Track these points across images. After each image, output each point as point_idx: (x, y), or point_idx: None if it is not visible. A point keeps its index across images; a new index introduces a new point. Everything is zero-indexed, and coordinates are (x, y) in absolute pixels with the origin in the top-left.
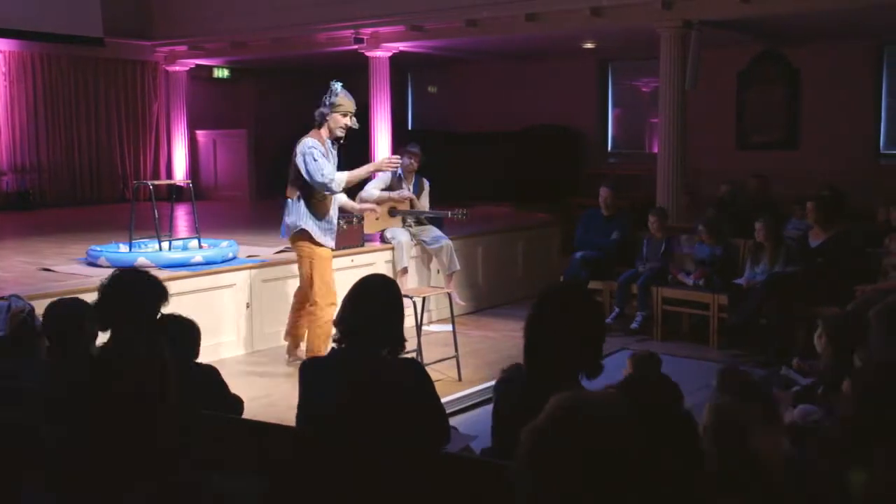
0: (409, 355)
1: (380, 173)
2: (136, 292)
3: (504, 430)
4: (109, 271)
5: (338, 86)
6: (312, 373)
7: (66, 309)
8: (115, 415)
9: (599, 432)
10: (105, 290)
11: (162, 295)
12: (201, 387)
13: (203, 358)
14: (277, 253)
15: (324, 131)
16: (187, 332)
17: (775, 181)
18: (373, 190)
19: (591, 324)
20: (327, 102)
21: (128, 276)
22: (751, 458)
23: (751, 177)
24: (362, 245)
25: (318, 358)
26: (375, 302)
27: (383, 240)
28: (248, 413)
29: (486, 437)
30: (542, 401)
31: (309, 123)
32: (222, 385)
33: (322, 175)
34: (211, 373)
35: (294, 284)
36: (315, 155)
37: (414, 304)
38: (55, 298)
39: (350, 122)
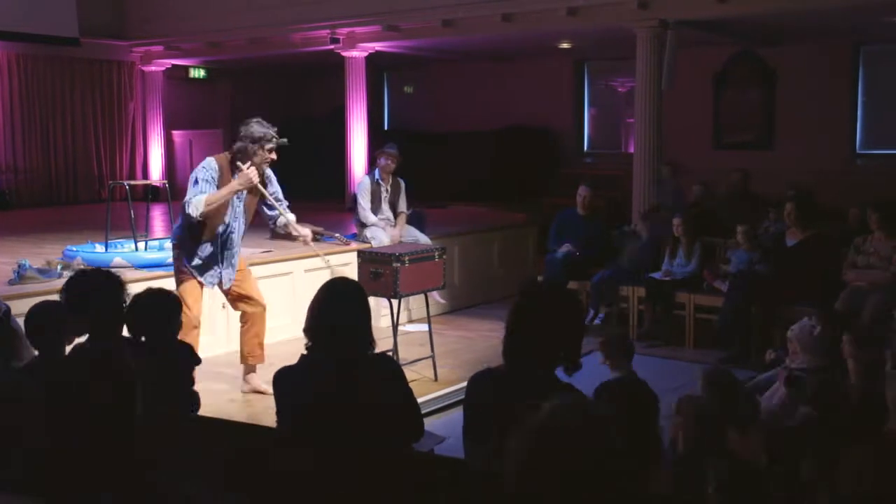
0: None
1: (361, 185)
2: (91, 297)
3: (477, 427)
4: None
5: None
6: (287, 381)
7: (46, 311)
8: (84, 420)
9: (589, 442)
10: (64, 296)
11: (117, 292)
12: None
13: None
14: (263, 253)
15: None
16: (163, 306)
17: (751, 181)
18: (368, 214)
19: (571, 321)
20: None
21: (79, 282)
22: (727, 455)
23: (732, 171)
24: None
25: (290, 366)
26: (341, 305)
27: (362, 239)
28: (224, 413)
29: (459, 438)
30: (520, 395)
31: (283, 122)
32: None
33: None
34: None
35: (268, 284)
36: (201, 175)
37: (391, 303)
38: (37, 299)
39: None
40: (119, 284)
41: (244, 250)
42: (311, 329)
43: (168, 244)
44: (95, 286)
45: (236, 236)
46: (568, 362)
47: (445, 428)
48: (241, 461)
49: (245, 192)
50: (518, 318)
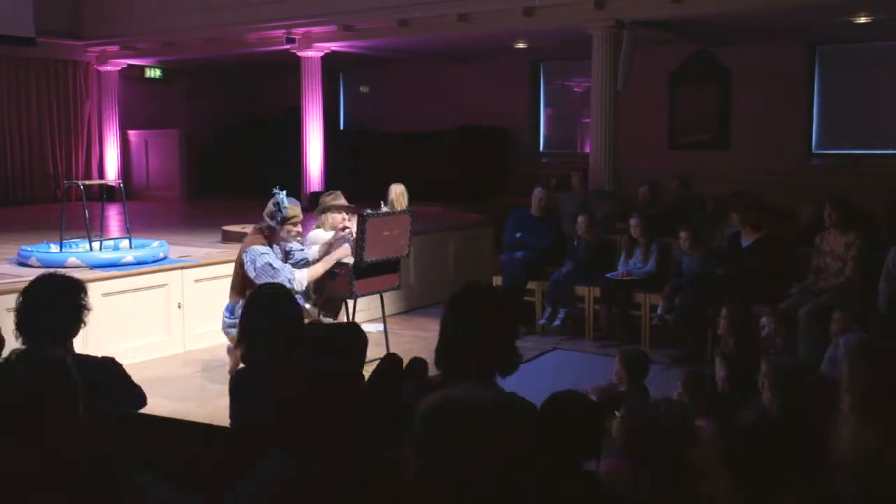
0: None
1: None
2: (53, 302)
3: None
4: (39, 272)
5: (282, 195)
6: (244, 384)
7: None
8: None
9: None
10: (24, 298)
11: (80, 304)
12: (97, 385)
13: (134, 357)
14: (219, 252)
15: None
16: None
17: (707, 181)
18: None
19: (501, 322)
20: (279, 217)
21: (44, 285)
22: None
23: (671, 180)
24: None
25: (248, 370)
26: (265, 312)
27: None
28: (179, 413)
29: None
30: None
31: (238, 122)
32: (124, 378)
33: (288, 282)
34: (110, 367)
35: (223, 284)
36: (270, 261)
37: (345, 303)
38: None
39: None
40: (79, 288)
41: (199, 250)
42: (241, 333)
43: (123, 244)
44: (55, 290)
45: None
46: (502, 364)
47: None
48: (199, 462)
49: None
50: (445, 321)
